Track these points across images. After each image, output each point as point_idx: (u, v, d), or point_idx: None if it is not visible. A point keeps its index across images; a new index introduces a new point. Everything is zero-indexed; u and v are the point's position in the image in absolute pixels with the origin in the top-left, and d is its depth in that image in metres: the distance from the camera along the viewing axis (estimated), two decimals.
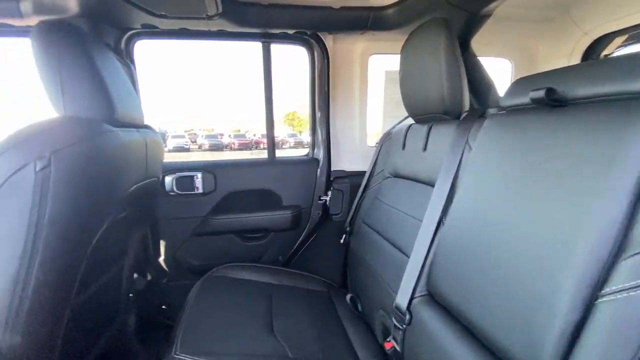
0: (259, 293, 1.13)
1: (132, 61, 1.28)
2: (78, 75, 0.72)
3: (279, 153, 1.52)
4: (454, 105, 0.87)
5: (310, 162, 1.49)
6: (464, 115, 0.87)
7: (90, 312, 0.90)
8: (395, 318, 0.77)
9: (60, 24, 0.72)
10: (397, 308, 0.76)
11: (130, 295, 1.26)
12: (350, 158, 1.51)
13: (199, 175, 1.37)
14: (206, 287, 1.11)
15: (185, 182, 1.36)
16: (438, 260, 0.72)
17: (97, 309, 0.95)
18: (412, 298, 0.75)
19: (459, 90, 0.87)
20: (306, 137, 1.68)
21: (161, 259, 1.40)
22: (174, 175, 1.35)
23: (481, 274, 0.59)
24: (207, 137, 15.86)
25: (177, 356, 0.77)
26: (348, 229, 1.29)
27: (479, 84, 1.16)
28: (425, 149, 0.94)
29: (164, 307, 1.41)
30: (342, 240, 1.31)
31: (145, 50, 1.35)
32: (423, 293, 0.75)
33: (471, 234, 0.64)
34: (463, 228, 0.67)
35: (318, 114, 1.45)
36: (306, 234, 1.48)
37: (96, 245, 0.73)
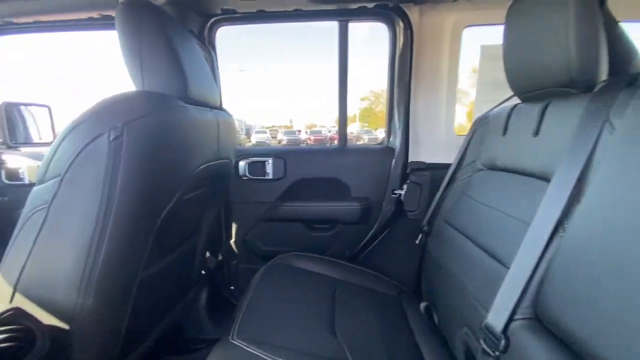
0: (322, 287, 1.06)
1: (214, 48, 1.32)
2: (156, 53, 0.73)
3: None
4: (586, 73, 0.65)
5: (384, 151, 1.36)
6: (600, 85, 0.64)
7: (162, 284, 0.94)
8: (484, 341, 0.61)
9: (143, 3, 0.74)
10: (489, 329, 0.60)
11: (203, 272, 1.32)
12: (432, 148, 1.33)
13: (270, 160, 1.36)
14: (270, 274, 1.09)
15: (257, 167, 1.37)
16: (553, 275, 0.53)
17: (169, 281, 1.00)
18: (510, 320, 0.58)
19: (594, 54, 0.65)
20: (382, 134, 1.55)
21: (232, 241, 1.44)
22: (247, 160, 1.37)
23: (620, 301, 0.40)
24: (286, 133, 16.72)
25: (233, 341, 0.74)
26: (425, 228, 1.13)
27: (617, 51, 0.87)
28: (537, 133, 0.73)
29: (232, 287, 1.45)
30: (417, 241, 1.15)
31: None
32: (527, 315, 0.57)
33: (608, 245, 0.45)
34: (596, 237, 0.48)
35: (396, 98, 1.31)
36: (376, 230, 1.36)
37: (165, 220, 0.73)
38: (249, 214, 1.40)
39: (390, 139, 1.38)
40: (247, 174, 1.37)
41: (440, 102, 1.30)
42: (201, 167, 0.84)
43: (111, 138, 0.60)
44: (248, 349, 0.71)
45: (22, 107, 1.45)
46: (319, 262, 1.18)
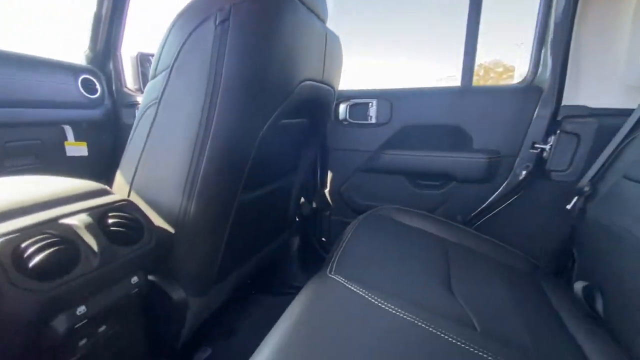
0: (431, 244, 0.88)
1: None
2: None
3: None
4: None
5: (525, 91, 1.05)
6: None
7: (257, 216, 0.90)
8: None
9: None
10: None
11: (297, 219, 1.28)
12: (601, 87, 0.97)
13: (374, 102, 1.20)
14: (368, 224, 0.96)
15: (359, 110, 1.23)
16: None
17: (265, 216, 0.96)
18: None
19: None
20: None
21: (326, 191, 1.36)
22: (348, 103, 1.24)
23: None
24: None
25: (331, 276, 0.64)
26: (587, 189, 0.83)
27: None
28: None
29: (323, 239, 1.39)
30: (569, 206, 0.86)
31: None
32: None
33: None
34: None
35: (553, 15, 0.97)
36: (503, 192, 1.09)
37: (264, 141, 0.66)
38: (346, 163, 1.29)
39: (538, 74, 1.06)
40: (347, 117, 1.24)
41: (622, 20, 0.92)
42: (305, 83, 0.73)
43: (217, 21, 0.53)
44: (350, 286, 0.60)
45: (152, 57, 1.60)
46: (426, 220, 1.00)
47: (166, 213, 0.64)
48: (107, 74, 1.53)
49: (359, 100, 1.22)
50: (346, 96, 1.25)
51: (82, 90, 1.42)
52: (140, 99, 1.55)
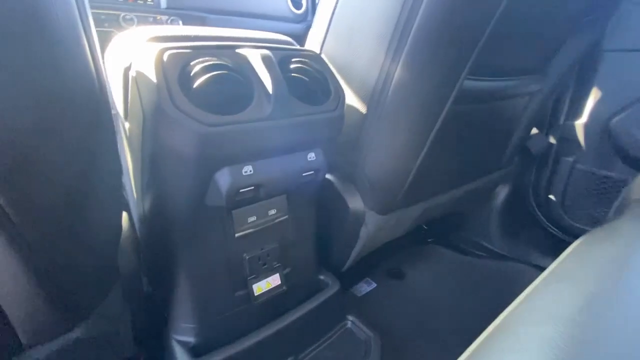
0: None
1: None
2: None
3: None
4: None
5: None
6: None
7: (472, 128, 0.62)
8: None
9: None
10: None
11: (515, 158, 0.90)
12: None
13: None
14: None
15: None
16: None
17: (479, 132, 0.66)
18: None
19: None
20: None
21: (579, 122, 0.87)
22: None
23: None
24: None
25: None
26: None
27: None
28: None
29: (552, 197, 0.95)
30: None
31: None
32: None
33: None
34: None
35: None
36: None
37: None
38: (635, 80, 0.76)
39: None
40: None
41: None
42: None
43: None
44: None
45: None
46: None
47: (359, 84, 0.46)
48: None
49: None
50: None
51: (290, 5, 1.43)
52: None
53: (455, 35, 0.41)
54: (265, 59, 0.35)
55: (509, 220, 0.99)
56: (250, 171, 0.35)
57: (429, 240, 1.06)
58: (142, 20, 1.03)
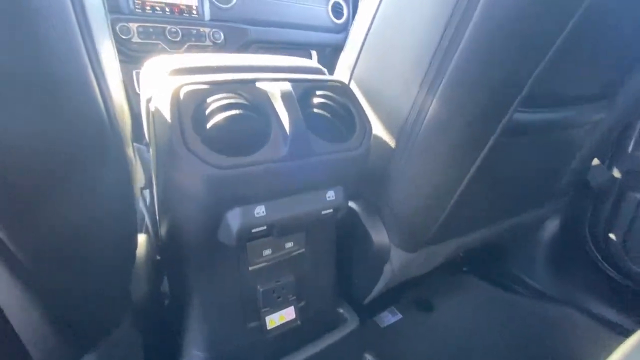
0: None
1: None
2: None
3: None
4: None
5: None
6: None
7: (520, 161, 0.55)
8: None
9: None
10: None
11: (570, 190, 0.80)
12: None
13: None
14: None
15: None
16: None
17: (528, 164, 0.59)
18: None
19: None
20: None
21: None
22: None
23: None
24: None
25: None
26: None
27: None
28: None
29: (612, 236, 0.83)
30: None
31: None
32: None
33: None
34: None
35: None
36: None
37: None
38: None
39: None
40: None
41: None
42: None
43: None
44: None
45: None
46: None
47: (389, 115, 0.42)
48: None
49: None
50: None
51: (331, 14, 1.42)
52: None
53: (506, 62, 0.36)
54: (284, 95, 0.32)
55: (558, 257, 0.89)
56: (263, 212, 0.34)
57: (464, 269, 0.99)
58: (186, 33, 1.07)
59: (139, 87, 1.06)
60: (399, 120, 0.41)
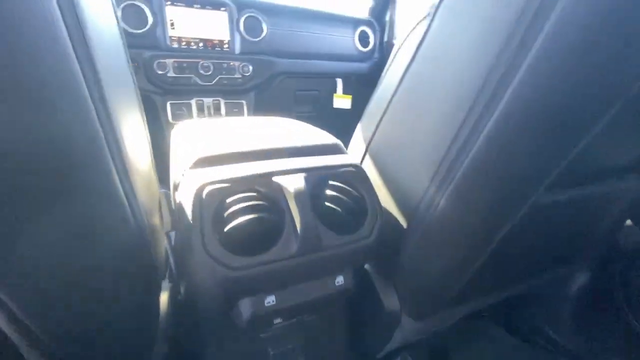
0: None
1: None
2: None
3: None
4: None
5: None
6: None
7: (546, 228, 0.54)
8: None
9: None
10: None
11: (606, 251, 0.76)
12: None
13: None
14: None
15: None
16: None
17: (554, 229, 0.57)
18: None
19: None
20: None
21: None
22: None
23: None
24: None
25: None
26: None
27: None
28: None
29: None
30: None
31: None
32: None
33: None
34: None
35: None
36: None
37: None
38: None
39: None
40: None
41: None
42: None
43: None
44: None
45: None
46: None
47: (400, 198, 0.43)
48: (382, 25, 1.46)
49: None
50: None
51: (358, 44, 1.43)
52: None
53: (535, 145, 0.34)
54: (297, 193, 0.34)
55: (588, 313, 0.84)
56: (273, 301, 0.35)
57: (483, 314, 0.95)
58: (217, 67, 1.13)
59: (172, 116, 1.13)
60: (410, 205, 0.42)
